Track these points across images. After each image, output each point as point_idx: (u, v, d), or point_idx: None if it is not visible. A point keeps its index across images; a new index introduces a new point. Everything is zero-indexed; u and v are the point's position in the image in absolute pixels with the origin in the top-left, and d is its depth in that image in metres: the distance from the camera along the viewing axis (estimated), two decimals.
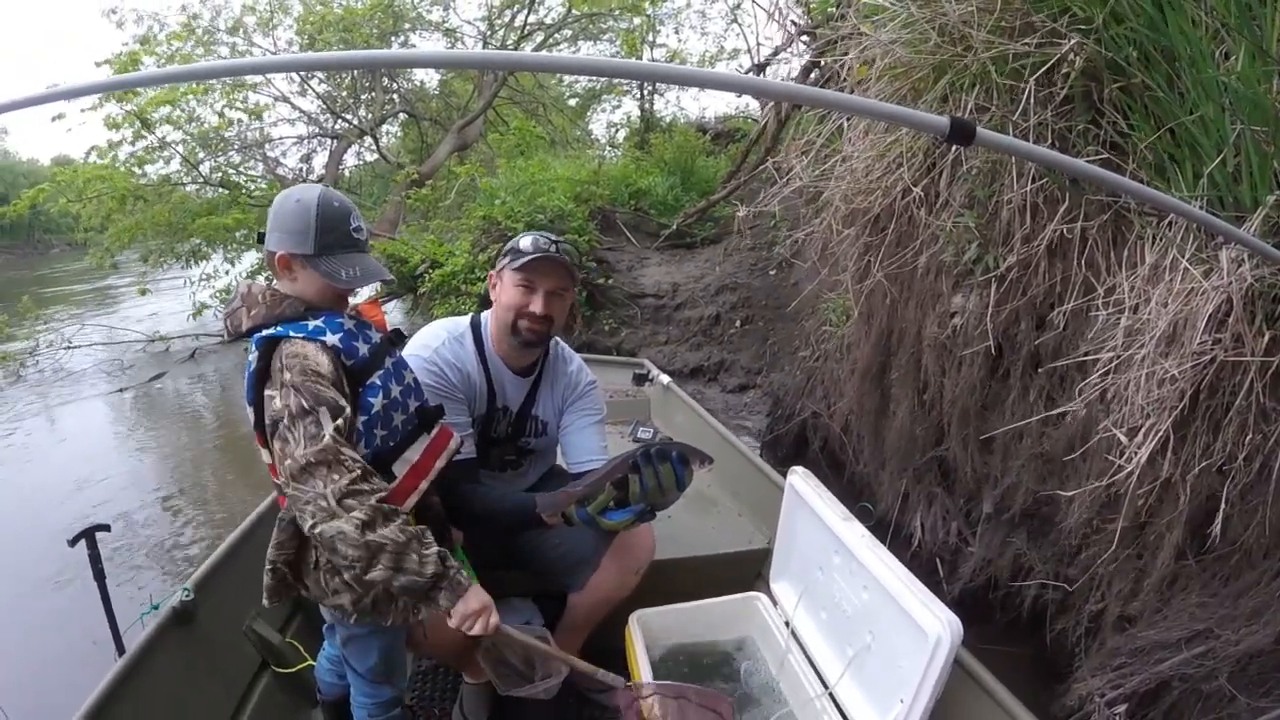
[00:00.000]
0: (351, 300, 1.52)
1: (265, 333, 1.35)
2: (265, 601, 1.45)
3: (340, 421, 1.26)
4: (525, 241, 1.80)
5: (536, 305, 1.79)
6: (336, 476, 1.22)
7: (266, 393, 1.32)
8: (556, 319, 1.84)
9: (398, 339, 1.59)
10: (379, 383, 1.43)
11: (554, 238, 1.83)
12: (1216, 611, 1.79)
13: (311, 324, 1.38)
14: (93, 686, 1.56)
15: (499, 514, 1.73)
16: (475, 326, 1.92)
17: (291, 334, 1.34)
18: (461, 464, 1.76)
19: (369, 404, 1.39)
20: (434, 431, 1.54)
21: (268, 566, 1.43)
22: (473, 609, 1.33)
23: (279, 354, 1.33)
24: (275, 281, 1.45)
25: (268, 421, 1.30)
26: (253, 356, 1.36)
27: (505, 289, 1.83)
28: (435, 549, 1.30)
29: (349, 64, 0.98)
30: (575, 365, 2.05)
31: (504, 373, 1.92)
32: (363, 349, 1.43)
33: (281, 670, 2.03)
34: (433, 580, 1.28)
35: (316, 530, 1.22)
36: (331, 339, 1.37)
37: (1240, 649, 1.71)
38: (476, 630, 1.35)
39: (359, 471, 1.25)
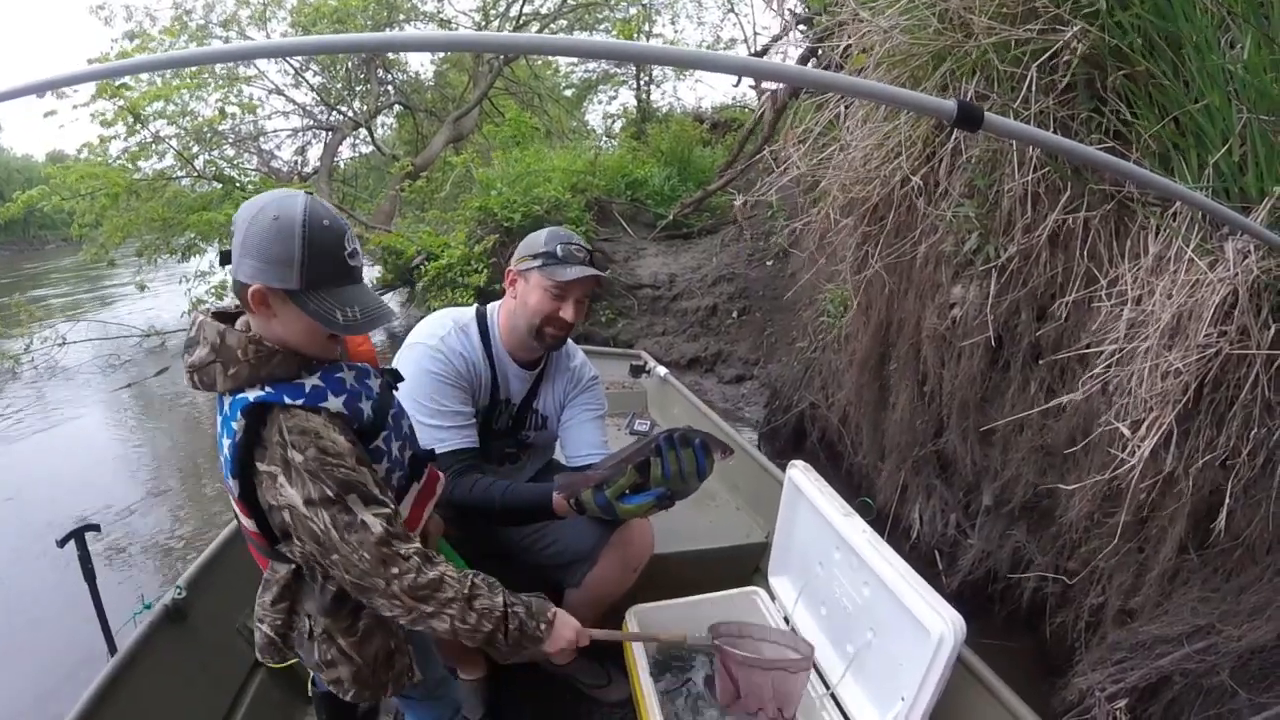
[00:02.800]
0: None
1: (252, 398, 1.14)
2: (259, 656, 1.38)
3: (375, 507, 1.17)
4: (559, 248, 1.76)
5: (568, 313, 1.78)
6: (396, 571, 1.17)
7: (263, 468, 1.15)
8: (579, 321, 1.85)
9: (395, 380, 1.42)
10: (383, 446, 1.30)
11: (583, 243, 1.81)
12: (1218, 607, 1.78)
13: (309, 384, 1.18)
14: (84, 687, 1.54)
15: (511, 504, 1.72)
16: (481, 318, 1.90)
17: (288, 401, 1.15)
18: (466, 451, 1.76)
19: (374, 470, 1.25)
20: (423, 478, 1.42)
21: (257, 625, 1.32)
22: (568, 639, 1.36)
23: (277, 426, 1.14)
24: (247, 317, 1.19)
25: (274, 502, 1.16)
26: (236, 425, 1.13)
27: (533, 292, 1.78)
28: (519, 608, 1.29)
29: (345, 47, 0.94)
30: (579, 360, 2.04)
31: (509, 366, 1.91)
32: (367, 409, 1.25)
33: (274, 666, 2.01)
34: (534, 633, 1.30)
35: (401, 620, 1.21)
36: (335, 403, 1.19)
37: (1242, 645, 1.69)
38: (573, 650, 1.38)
39: (416, 557, 1.19)
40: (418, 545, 1.21)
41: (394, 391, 1.38)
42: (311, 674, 1.81)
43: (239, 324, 1.21)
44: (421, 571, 1.19)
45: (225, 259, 1.20)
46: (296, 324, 1.15)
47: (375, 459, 1.26)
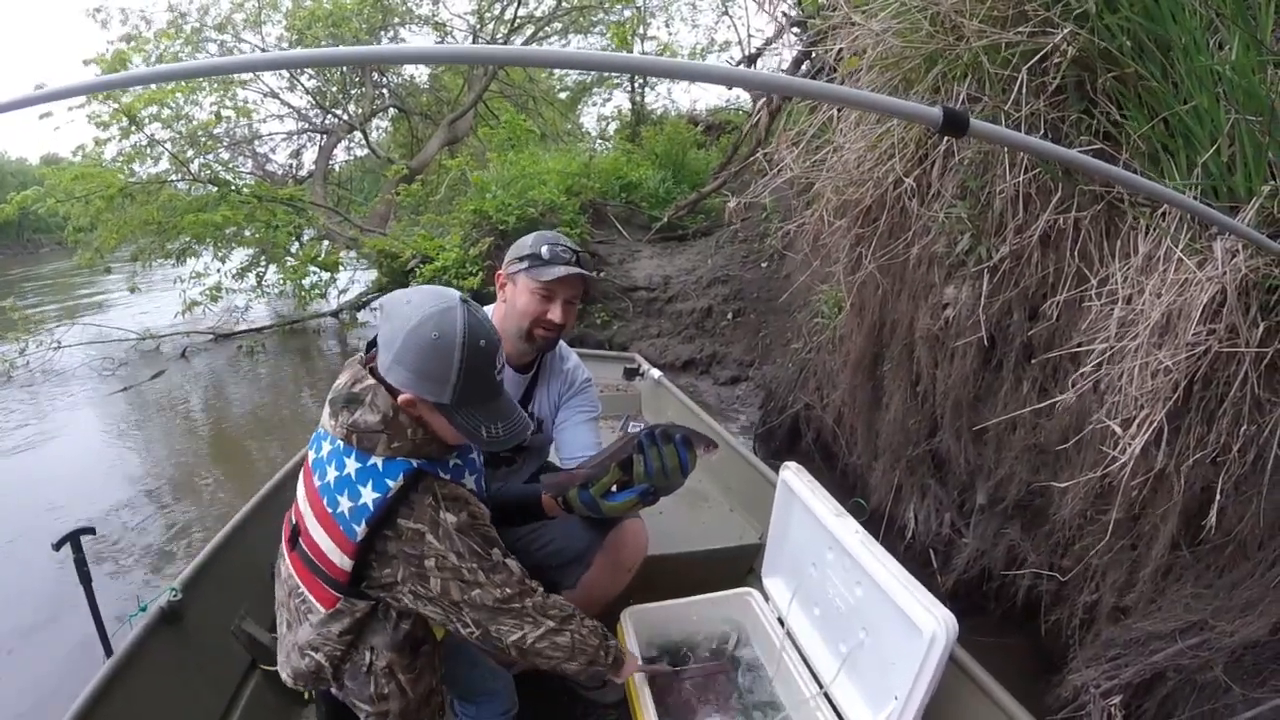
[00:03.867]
0: None
1: (415, 465, 1.25)
2: (291, 682, 1.46)
3: (509, 557, 1.37)
4: (544, 249, 1.79)
5: (555, 314, 1.81)
6: (529, 599, 1.36)
7: (408, 524, 1.25)
8: (569, 324, 1.87)
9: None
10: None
11: (571, 244, 1.83)
12: (1211, 603, 1.79)
13: (452, 462, 1.35)
14: (81, 689, 1.53)
15: (503, 504, 1.72)
16: None
17: (441, 474, 1.30)
18: None
19: None
20: None
21: (308, 652, 1.38)
22: (629, 673, 1.60)
23: (431, 493, 1.27)
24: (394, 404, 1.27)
25: (409, 552, 1.26)
26: (393, 484, 1.23)
27: (521, 294, 1.82)
28: (613, 642, 1.51)
29: (338, 60, 0.94)
30: (572, 363, 2.04)
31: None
32: (484, 486, 1.46)
33: (271, 668, 2.01)
34: (610, 665, 1.51)
35: (526, 640, 1.36)
36: (469, 481, 1.37)
37: (1235, 640, 1.71)
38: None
39: (540, 588, 1.39)
40: (541, 595, 1.40)
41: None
42: None
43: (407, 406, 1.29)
44: (548, 596, 1.40)
45: (371, 346, 1.33)
46: (440, 427, 1.28)
47: None
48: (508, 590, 1.32)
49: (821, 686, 1.80)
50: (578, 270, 1.78)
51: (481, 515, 1.33)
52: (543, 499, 1.66)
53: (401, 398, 1.22)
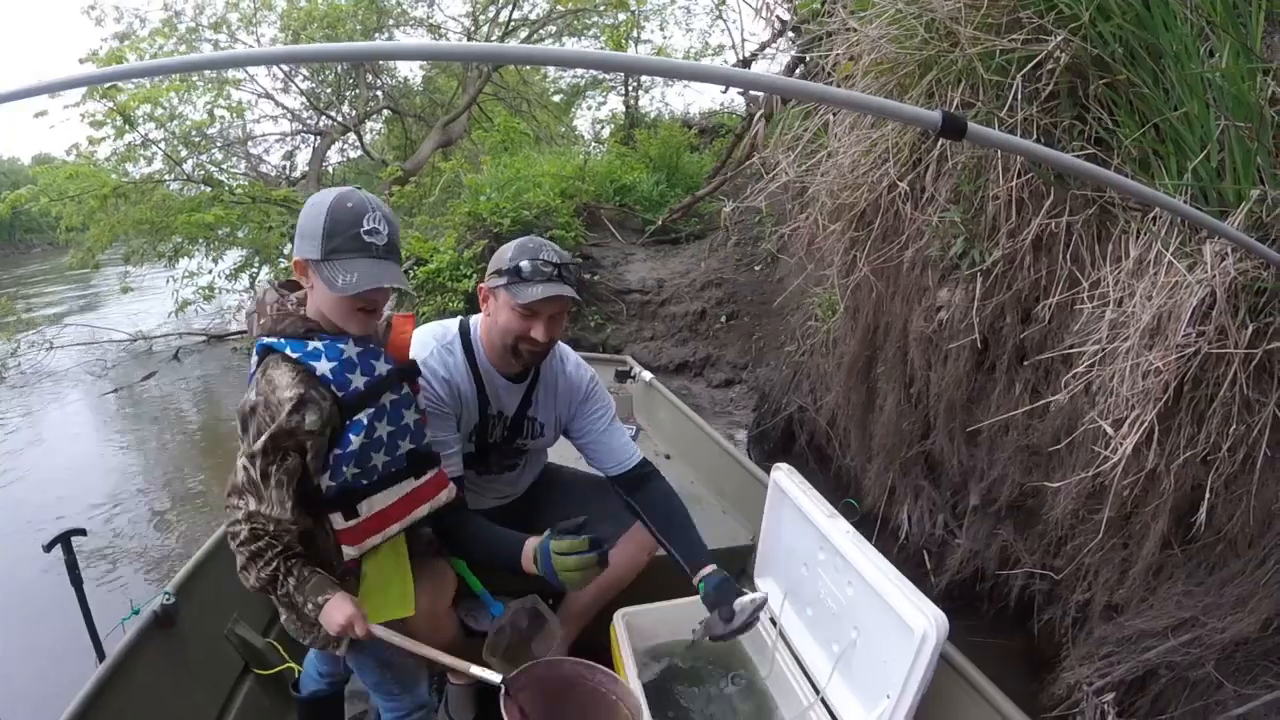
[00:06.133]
0: (386, 311, 1.51)
1: (265, 341, 1.36)
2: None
3: (264, 461, 1.31)
4: (524, 264, 1.65)
5: (539, 333, 1.70)
6: (230, 516, 1.35)
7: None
8: (557, 336, 1.78)
9: (411, 371, 1.56)
10: (364, 420, 1.40)
11: (555, 259, 1.68)
12: (1202, 600, 1.81)
13: (311, 345, 1.36)
14: (73, 694, 1.53)
15: (490, 554, 1.74)
16: (464, 333, 1.85)
17: (288, 351, 1.34)
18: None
19: (347, 439, 1.38)
20: (423, 478, 1.52)
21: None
22: (337, 623, 1.37)
23: (264, 368, 1.35)
24: (296, 291, 1.44)
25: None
26: (254, 359, 1.38)
27: (502, 310, 1.71)
28: (316, 596, 1.38)
29: (335, 56, 0.96)
30: (573, 363, 1.99)
31: (496, 379, 1.86)
32: (357, 381, 1.39)
33: (263, 673, 2.00)
34: (305, 606, 1.39)
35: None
36: (323, 366, 1.34)
37: (1226, 637, 1.72)
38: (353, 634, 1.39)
39: (241, 512, 1.33)
40: (252, 506, 1.32)
41: (404, 383, 1.51)
42: (302, 678, 1.82)
43: (295, 295, 1.43)
44: (236, 524, 1.34)
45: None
46: (322, 291, 1.34)
47: (352, 430, 1.39)
48: (230, 486, 1.34)
49: (815, 687, 1.80)
50: (559, 292, 1.66)
51: (278, 402, 1.30)
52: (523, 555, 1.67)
53: (295, 261, 1.36)
